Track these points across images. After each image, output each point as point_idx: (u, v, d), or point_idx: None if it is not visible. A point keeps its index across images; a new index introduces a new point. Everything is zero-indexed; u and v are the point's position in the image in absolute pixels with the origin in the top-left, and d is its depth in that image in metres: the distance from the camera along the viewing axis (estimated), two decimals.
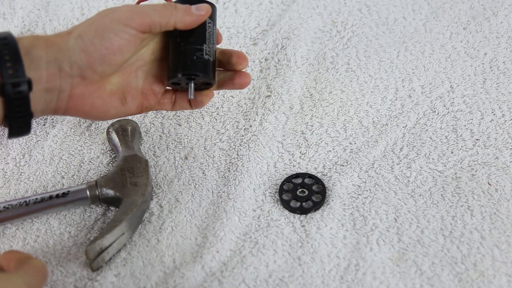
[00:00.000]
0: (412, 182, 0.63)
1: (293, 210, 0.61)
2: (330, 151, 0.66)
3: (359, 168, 0.64)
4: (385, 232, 0.59)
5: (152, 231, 0.60)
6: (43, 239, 0.60)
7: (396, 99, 0.71)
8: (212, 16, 0.59)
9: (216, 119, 0.70)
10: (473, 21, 0.79)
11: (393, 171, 0.64)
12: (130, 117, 0.69)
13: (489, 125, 0.67)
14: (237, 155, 0.66)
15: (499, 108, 0.69)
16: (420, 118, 0.69)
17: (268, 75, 0.74)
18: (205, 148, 0.67)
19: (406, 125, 0.68)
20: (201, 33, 0.57)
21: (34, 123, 0.70)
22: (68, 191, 0.60)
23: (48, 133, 0.69)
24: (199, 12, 0.57)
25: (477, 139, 0.66)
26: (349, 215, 0.60)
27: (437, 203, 0.61)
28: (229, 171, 0.65)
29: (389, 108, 0.70)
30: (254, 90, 0.72)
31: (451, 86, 0.72)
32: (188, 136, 0.68)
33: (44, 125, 0.70)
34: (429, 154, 0.65)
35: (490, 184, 0.62)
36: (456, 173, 0.63)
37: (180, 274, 0.56)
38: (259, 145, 0.66)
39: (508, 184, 0.62)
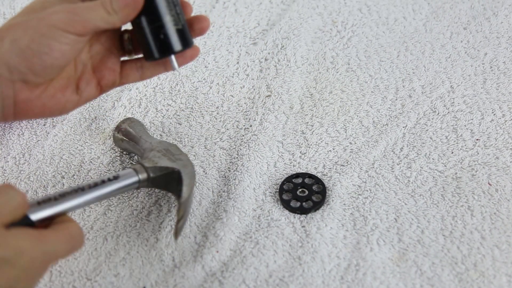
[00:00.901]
0: (412, 182, 0.63)
1: (293, 210, 0.61)
2: (330, 151, 0.66)
3: (359, 168, 0.64)
4: (385, 232, 0.59)
5: (151, 230, 0.60)
6: None
7: (397, 99, 0.71)
8: None
9: (216, 118, 0.70)
10: (473, 21, 0.79)
11: (393, 171, 0.64)
12: (132, 115, 0.69)
13: (489, 125, 0.67)
14: (237, 154, 0.66)
15: (500, 108, 0.69)
16: (420, 118, 0.68)
17: (268, 75, 0.74)
18: (205, 147, 0.67)
19: (406, 125, 0.68)
20: (158, 5, 0.50)
21: (34, 122, 0.70)
22: (118, 175, 0.55)
23: (48, 133, 0.69)
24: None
25: (477, 139, 0.66)
26: (349, 215, 0.60)
27: (437, 203, 0.61)
28: (229, 170, 0.65)
29: (389, 108, 0.70)
30: (254, 90, 0.72)
31: (451, 86, 0.72)
32: (188, 135, 0.68)
33: (44, 125, 0.70)
34: (429, 154, 0.65)
35: (490, 184, 0.62)
36: (456, 173, 0.63)
37: (180, 273, 0.56)
38: (259, 144, 0.66)
39: (508, 184, 0.62)
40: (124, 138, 0.65)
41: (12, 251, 0.42)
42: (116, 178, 0.55)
